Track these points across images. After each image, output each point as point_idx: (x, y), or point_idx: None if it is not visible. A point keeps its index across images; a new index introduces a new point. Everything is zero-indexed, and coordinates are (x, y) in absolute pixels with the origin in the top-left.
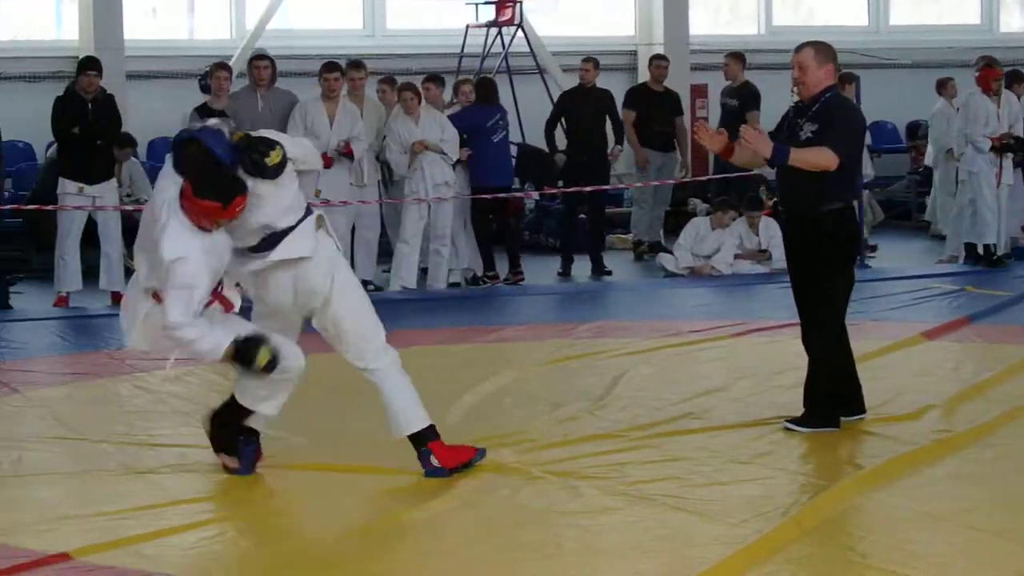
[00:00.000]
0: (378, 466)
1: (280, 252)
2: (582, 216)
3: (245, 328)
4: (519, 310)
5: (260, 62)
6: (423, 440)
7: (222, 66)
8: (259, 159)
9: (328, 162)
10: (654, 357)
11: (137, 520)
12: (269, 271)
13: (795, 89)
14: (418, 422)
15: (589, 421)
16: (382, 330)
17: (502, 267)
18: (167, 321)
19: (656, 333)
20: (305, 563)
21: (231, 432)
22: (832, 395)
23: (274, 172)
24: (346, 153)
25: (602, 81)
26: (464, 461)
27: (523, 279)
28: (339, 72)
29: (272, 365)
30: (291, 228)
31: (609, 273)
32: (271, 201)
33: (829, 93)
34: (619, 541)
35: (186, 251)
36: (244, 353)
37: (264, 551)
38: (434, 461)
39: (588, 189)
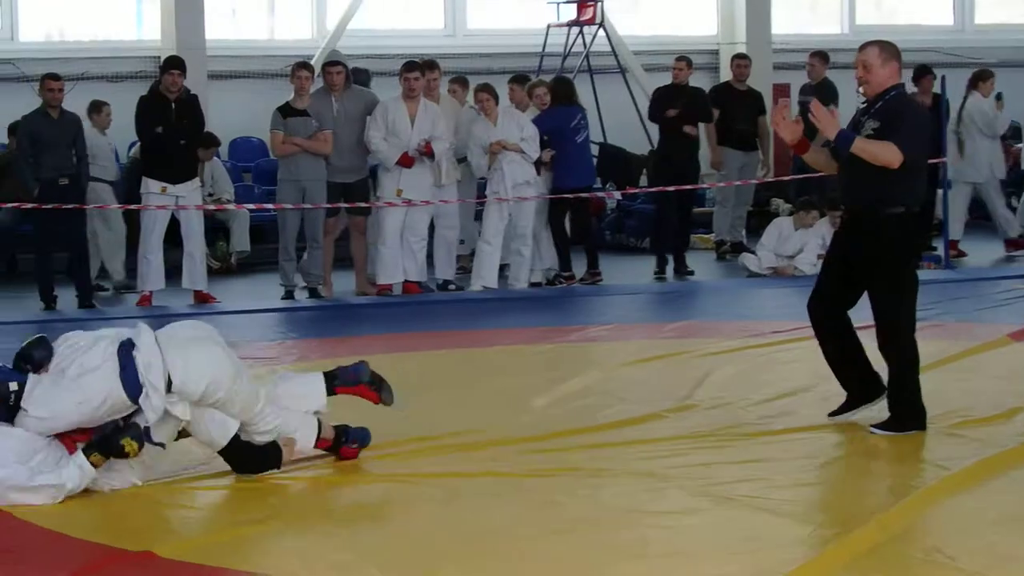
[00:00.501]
0: (457, 471)
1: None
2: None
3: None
4: (602, 310)
5: (333, 68)
6: None
7: (303, 65)
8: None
9: (409, 162)
10: (737, 358)
11: (221, 518)
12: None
13: (860, 89)
14: None
15: (673, 421)
16: None
17: (581, 268)
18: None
19: (739, 333)
20: (390, 565)
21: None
22: (915, 398)
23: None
24: (426, 152)
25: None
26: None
27: (601, 279)
28: (419, 72)
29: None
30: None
31: (691, 273)
32: None
33: (893, 92)
34: (704, 542)
35: None
36: (110, 449)
37: (348, 552)
38: None
39: (671, 189)
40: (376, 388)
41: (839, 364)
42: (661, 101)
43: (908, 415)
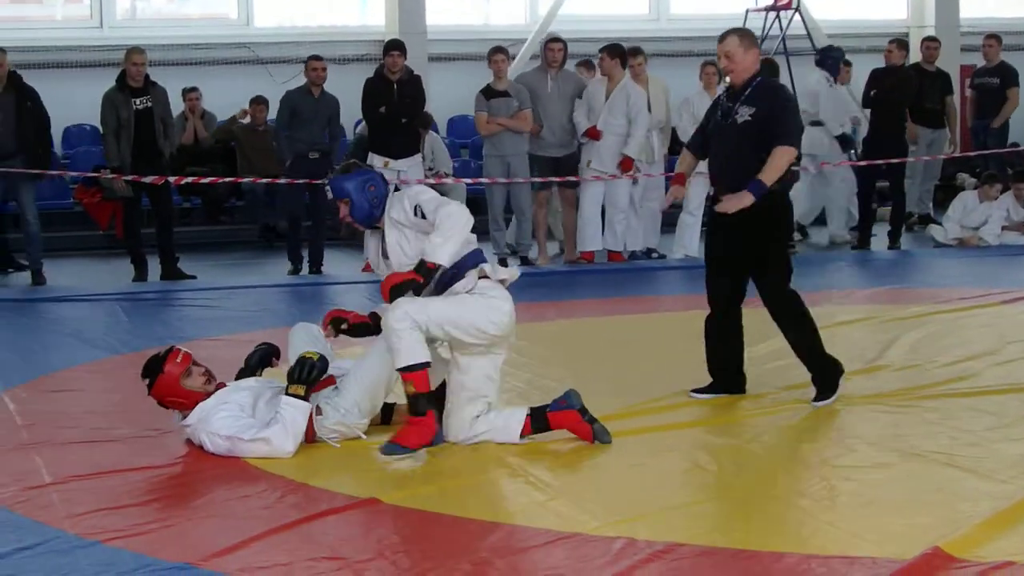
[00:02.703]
0: (658, 426)
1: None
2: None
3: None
4: (793, 277)
5: (555, 44)
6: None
7: (499, 50)
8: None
9: (596, 135)
10: (925, 322)
11: (442, 470)
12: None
13: (727, 79)
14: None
15: (863, 381)
16: None
17: None
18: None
19: (927, 300)
20: (599, 512)
21: None
22: (827, 359)
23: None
24: (591, 136)
25: (876, 62)
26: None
27: (795, 249)
28: (605, 54)
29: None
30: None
31: (898, 246)
32: None
33: (759, 78)
34: (893, 494)
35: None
36: (300, 371)
37: (560, 500)
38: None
39: (862, 163)
40: (589, 421)
41: (723, 357)
42: (869, 82)
43: (831, 377)
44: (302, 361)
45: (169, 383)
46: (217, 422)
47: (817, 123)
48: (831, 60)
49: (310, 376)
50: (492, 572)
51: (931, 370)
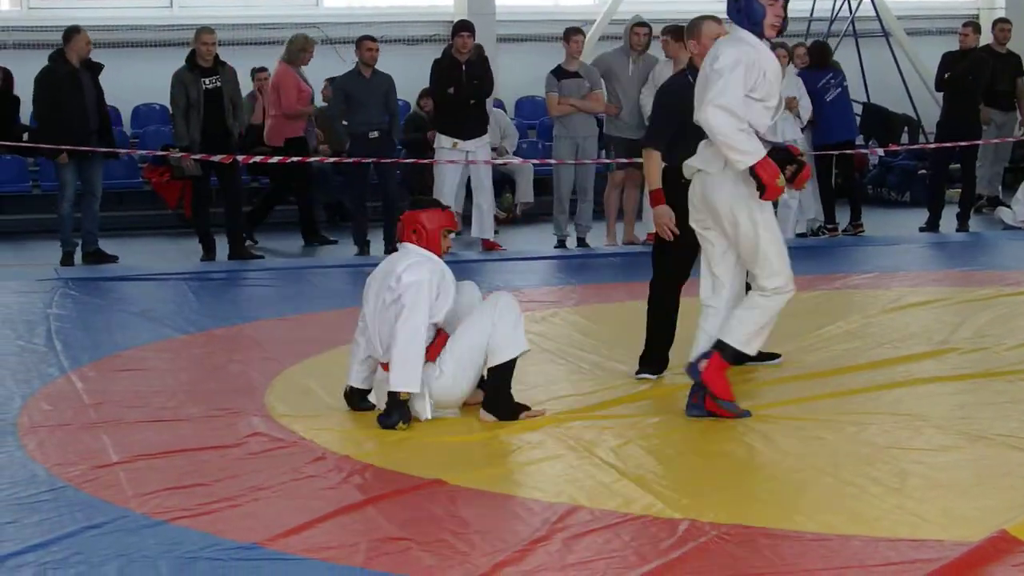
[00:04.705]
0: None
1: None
2: (921, 172)
3: None
4: (863, 259)
5: (641, 28)
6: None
7: (577, 31)
8: None
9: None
10: (994, 304)
11: (505, 450)
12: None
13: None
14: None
15: (931, 363)
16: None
17: (844, 220)
18: None
19: (995, 282)
20: (660, 492)
21: None
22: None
23: None
24: None
25: (946, 44)
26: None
27: (863, 231)
28: (668, 36)
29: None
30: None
31: (967, 229)
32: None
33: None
34: (961, 478)
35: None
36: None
37: (618, 484)
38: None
39: (930, 146)
40: None
41: (668, 337)
42: (942, 65)
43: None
44: (402, 403)
45: (424, 219)
46: (421, 300)
47: None
48: None
49: (388, 421)
50: (557, 553)
51: (999, 352)
